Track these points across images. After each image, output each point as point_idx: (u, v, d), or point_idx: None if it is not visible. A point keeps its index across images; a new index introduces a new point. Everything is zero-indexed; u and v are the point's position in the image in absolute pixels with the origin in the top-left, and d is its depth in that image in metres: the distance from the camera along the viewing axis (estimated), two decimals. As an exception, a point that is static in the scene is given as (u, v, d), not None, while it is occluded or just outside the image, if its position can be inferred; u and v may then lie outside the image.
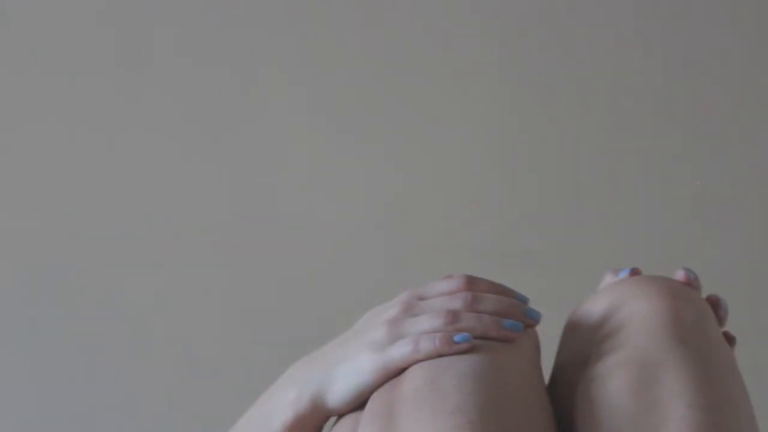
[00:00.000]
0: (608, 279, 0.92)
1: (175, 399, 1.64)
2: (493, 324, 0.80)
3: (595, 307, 0.85)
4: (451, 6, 1.68)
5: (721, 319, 0.88)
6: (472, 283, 0.83)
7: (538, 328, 0.84)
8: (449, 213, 1.68)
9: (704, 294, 0.89)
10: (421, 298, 0.83)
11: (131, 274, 1.65)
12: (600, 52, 1.69)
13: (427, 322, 0.80)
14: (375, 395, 0.78)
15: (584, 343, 0.83)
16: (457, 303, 0.81)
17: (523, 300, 0.84)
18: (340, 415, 0.81)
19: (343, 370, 0.80)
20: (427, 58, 1.68)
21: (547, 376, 0.85)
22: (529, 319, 0.82)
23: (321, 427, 0.82)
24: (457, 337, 0.78)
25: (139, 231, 1.65)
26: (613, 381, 0.77)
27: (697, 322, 0.82)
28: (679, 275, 0.88)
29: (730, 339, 0.88)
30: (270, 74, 1.67)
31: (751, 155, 1.69)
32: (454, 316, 0.80)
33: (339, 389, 0.80)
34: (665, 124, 1.69)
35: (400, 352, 0.79)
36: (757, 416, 0.81)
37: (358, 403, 0.80)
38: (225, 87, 1.67)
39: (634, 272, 0.90)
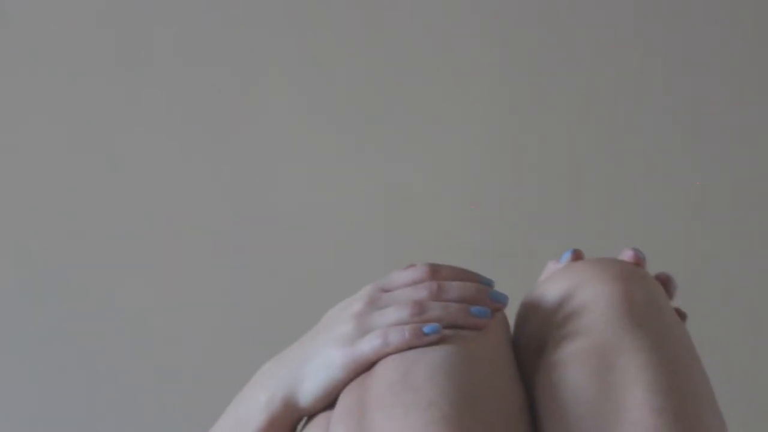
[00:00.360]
0: (551, 267, 0.91)
1: (175, 399, 1.64)
2: (460, 312, 0.79)
3: (548, 292, 0.85)
4: (451, 6, 1.68)
5: (671, 296, 0.87)
6: (435, 271, 0.82)
7: (508, 311, 0.84)
8: (449, 213, 1.68)
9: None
10: (386, 290, 0.82)
11: (131, 274, 1.65)
12: (600, 52, 1.69)
13: (394, 314, 0.79)
14: (346, 391, 0.77)
15: (541, 329, 0.82)
16: (422, 293, 0.81)
17: (488, 283, 0.83)
18: (312, 415, 0.80)
19: (312, 367, 0.80)
20: (427, 58, 1.68)
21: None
22: (496, 303, 0.81)
23: (295, 427, 0.81)
24: (426, 329, 0.77)
25: (139, 231, 1.65)
26: (572, 368, 0.77)
27: (651, 303, 0.82)
28: (628, 255, 0.88)
29: (681, 315, 0.87)
30: (270, 74, 1.67)
31: (751, 155, 1.69)
32: (420, 306, 0.79)
33: (310, 387, 0.79)
34: (665, 124, 1.69)
35: (370, 345, 0.78)
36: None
37: (330, 400, 0.79)
38: (225, 87, 1.67)
39: (576, 255, 0.90)
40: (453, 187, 1.68)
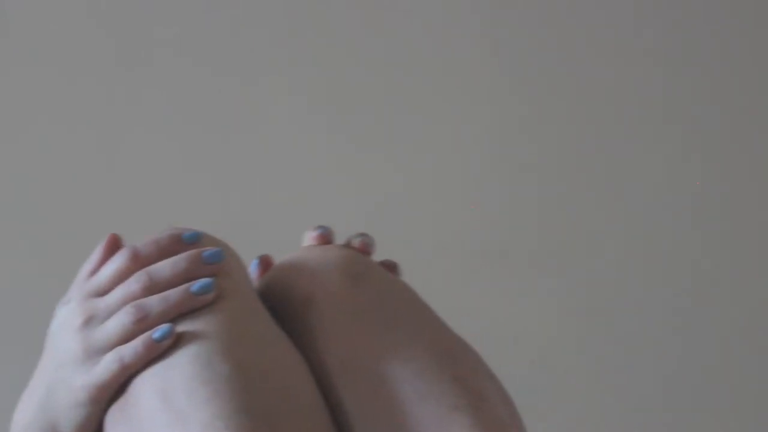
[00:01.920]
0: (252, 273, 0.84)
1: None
2: (182, 298, 0.72)
3: (282, 300, 0.79)
4: (451, 6, 1.68)
5: (371, 254, 0.82)
6: (137, 256, 0.76)
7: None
8: (449, 213, 1.68)
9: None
10: (94, 294, 0.75)
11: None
12: (600, 52, 1.69)
13: (118, 327, 0.72)
14: (110, 421, 0.72)
15: (291, 332, 0.77)
16: (133, 287, 0.73)
17: (194, 238, 0.76)
18: None
19: (61, 406, 0.74)
20: (427, 58, 1.68)
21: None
22: (213, 266, 0.75)
23: None
24: (156, 335, 0.70)
25: (138, 231, 1.65)
26: (322, 371, 0.73)
27: (359, 281, 0.77)
28: (313, 238, 0.82)
29: (391, 267, 0.82)
30: (270, 74, 1.67)
31: (752, 155, 1.69)
32: (139, 309, 0.72)
33: (68, 426, 0.74)
34: (665, 124, 1.69)
35: (107, 370, 0.71)
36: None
37: (97, 425, 0.73)
38: (225, 87, 1.67)
39: (263, 261, 0.85)
40: (453, 187, 1.68)
